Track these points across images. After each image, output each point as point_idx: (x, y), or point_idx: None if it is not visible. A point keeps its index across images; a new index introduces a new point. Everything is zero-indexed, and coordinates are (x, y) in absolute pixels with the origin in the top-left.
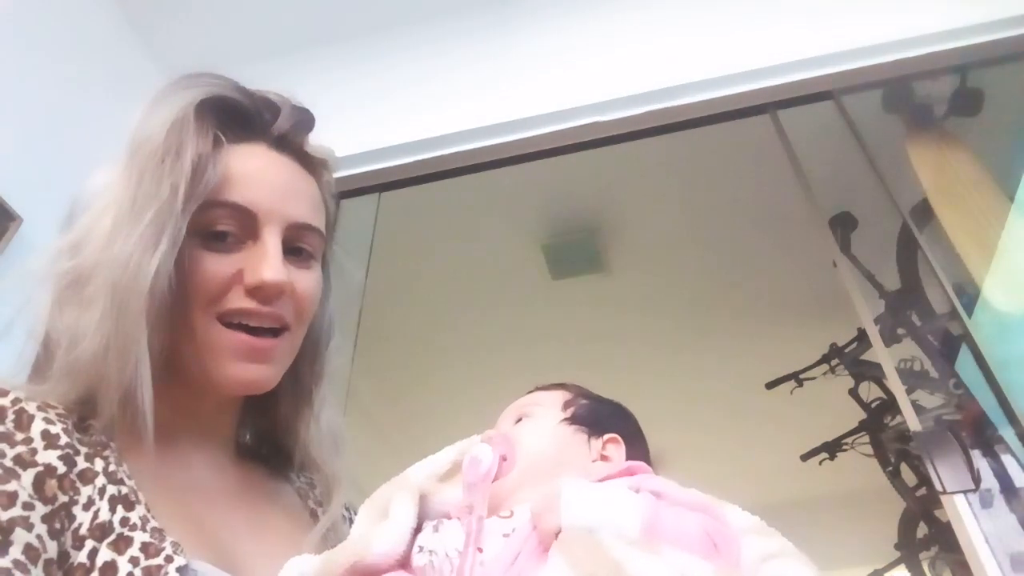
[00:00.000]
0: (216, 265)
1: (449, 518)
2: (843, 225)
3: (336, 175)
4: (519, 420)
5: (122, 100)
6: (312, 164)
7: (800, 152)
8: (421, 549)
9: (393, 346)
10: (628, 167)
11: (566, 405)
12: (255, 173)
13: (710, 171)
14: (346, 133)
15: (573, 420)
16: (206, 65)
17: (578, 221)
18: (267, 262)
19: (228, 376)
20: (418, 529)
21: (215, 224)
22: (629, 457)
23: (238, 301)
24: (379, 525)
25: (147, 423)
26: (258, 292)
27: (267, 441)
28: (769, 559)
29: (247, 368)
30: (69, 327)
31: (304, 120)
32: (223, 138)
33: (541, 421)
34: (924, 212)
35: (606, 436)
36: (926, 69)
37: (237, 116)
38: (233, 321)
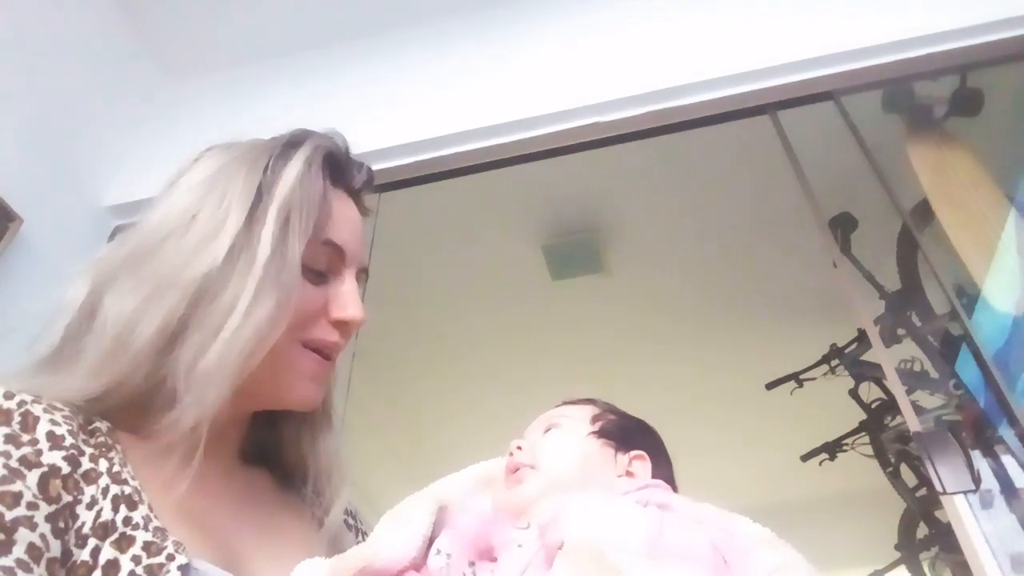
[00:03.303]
0: (311, 295)
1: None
2: (843, 226)
3: None
4: (548, 430)
5: (122, 101)
6: (367, 215)
7: (800, 152)
8: (439, 552)
9: (393, 346)
10: (628, 167)
11: (595, 419)
12: (346, 217)
13: (710, 171)
14: (346, 133)
15: (601, 434)
16: (206, 65)
17: (578, 221)
18: (353, 300)
19: (299, 393)
20: (436, 537)
21: (317, 259)
22: (653, 475)
23: (323, 332)
24: (391, 532)
25: (199, 447)
26: (344, 326)
27: (271, 452)
28: (776, 571)
29: (314, 388)
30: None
31: (372, 178)
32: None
33: (569, 432)
34: (924, 212)
35: (633, 452)
36: (926, 69)
37: (335, 165)
38: (310, 347)
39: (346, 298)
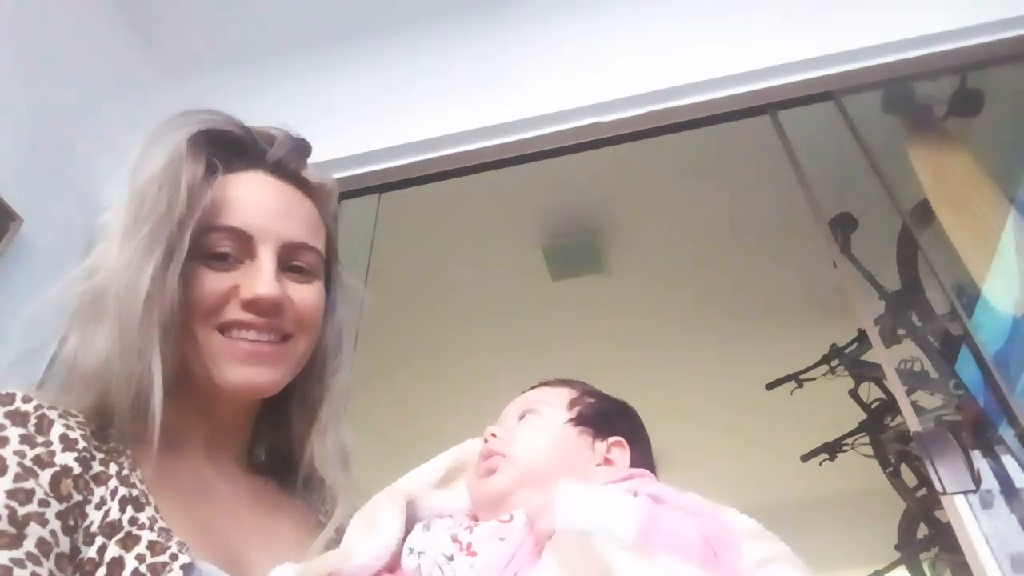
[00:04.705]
0: (214, 281)
1: (442, 517)
2: (843, 226)
3: (336, 175)
4: (523, 416)
5: (122, 100)
6: (309, 188)
7: (800, 152)
8: (411, 551)
9: (393, 346)
10: (628, 168)
11: (572, 404)
12: (250, 197)
13: (710, 172)
14: (346, 133)
15: (579, 421)
16: (206, 65)
17: (578, 221)
18: (261, 278)
19: (230, 380)
20: (409, 532)
21: (215, 246)
22: (633, 460)
23: (235, 314)
24: (362, 536)
25: (155, 425)
26: (253, 306)
27: (280, 458)
28: (765, 564)
29: (249, 372)
30: (82, 341)
31: (299, 147)
32: (219, 166)
33: (546, 420)
34: (924, 213)
35: (611, 439)
36: (926, 69)
37: (235, 147)
38: (232, 335)
39: (254, 278)
